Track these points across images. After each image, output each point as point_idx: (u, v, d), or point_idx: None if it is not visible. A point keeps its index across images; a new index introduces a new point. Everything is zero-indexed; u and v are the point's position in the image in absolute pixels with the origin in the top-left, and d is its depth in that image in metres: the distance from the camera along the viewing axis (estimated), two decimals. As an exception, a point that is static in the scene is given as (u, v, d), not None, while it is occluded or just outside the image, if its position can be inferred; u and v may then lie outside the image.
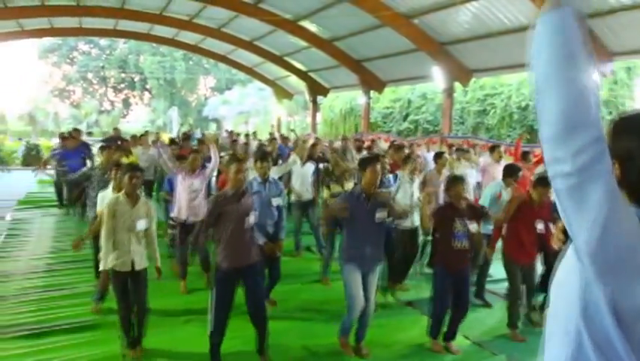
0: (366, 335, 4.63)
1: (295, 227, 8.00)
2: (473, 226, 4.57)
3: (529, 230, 5.00)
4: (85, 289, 5.99)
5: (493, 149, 8.50)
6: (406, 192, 6.21)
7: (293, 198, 8.02)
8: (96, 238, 5.23)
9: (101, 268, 4.38)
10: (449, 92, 14.15)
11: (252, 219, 4.28)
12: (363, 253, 4.36)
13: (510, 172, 5.95)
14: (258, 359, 4.40)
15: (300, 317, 5.55)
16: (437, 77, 13.80)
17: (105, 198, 5.06)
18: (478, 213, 4.79)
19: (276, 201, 5.44)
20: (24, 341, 4.81)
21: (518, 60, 11.83)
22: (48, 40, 35.48)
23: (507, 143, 13.62)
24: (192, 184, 6.23)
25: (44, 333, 4.99)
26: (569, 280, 1.09)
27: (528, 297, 5.24)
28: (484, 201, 5.94)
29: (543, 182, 4.88)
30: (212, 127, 34.88)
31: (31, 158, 21.47)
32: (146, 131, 10.83)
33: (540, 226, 4.96)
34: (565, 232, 1.60)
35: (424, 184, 6.76)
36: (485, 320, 5.51)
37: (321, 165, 9.48)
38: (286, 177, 8.13)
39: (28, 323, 5.25)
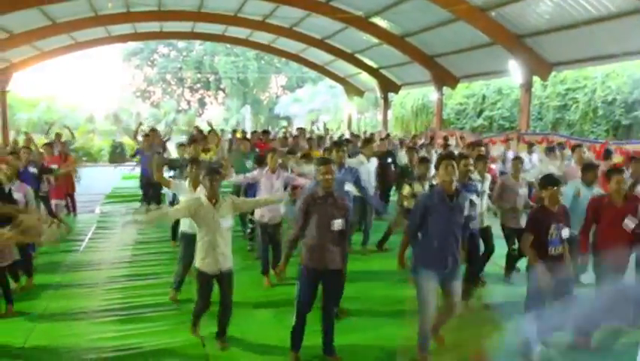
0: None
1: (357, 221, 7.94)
2: (565, 231, 4.30)
3: (616, 230, 4.65)
4: (166, 279, 6.29)
5: (574, 149, 8.00)
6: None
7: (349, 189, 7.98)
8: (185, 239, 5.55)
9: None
10: (527, 86, 13.58)
11: (338, 223, 4.20)
12: (443, 256, 4.11)
13: (585, 170, 5.83)
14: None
15: (369, 314, 5.51)
16: (514, 71, 13.29)
17: (179, 186, 5.43)
18: (569, 217, 4.49)
19: (348, 186, 5.49)
20: (112, 326, 5.16)
21: (605, 51, 11.17)
22: (131, 45, 37.56)
23: (591, 140, 12.83)
24: (273, 185, 6.28)
25: (130, 319, 5.32)
26: None
27: None
28: (564, 201, 5.59)
29: (614, 171, 4.66)
30: (283, 125, 35.45)
31: (116, 155, 22.94)
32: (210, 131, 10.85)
33: (629, 223, 4.60)
34: None
35: (500, 189, 6.44)
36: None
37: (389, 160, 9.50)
38: None
39: (115, 309, 5.63)
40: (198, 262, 4.48)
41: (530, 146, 10.66)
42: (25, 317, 5.36)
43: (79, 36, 18.14)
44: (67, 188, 10.25)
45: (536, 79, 13.82)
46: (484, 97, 21.20)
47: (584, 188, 5.74)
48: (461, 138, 11.87)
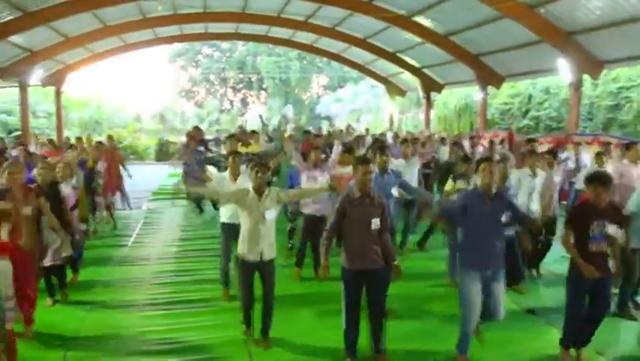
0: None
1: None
2: (612, 228, 4.11)
3: None
4: (211, 276, 6.44)
5: (629, 147, 7.48)
6: (525, 188, 5.94)
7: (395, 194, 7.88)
8: (225, 230, 5.67)
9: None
10: (576, 85, 13.13)
11: (376, 223, 4.18)
12: (484, 257, 4.09)
13: None
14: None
15: (409, 315, 5.48)
16: (563, 69, 12.87)
17: (220, 178, 5.68)
18: (620, 216, 4.32)
19: (394, 190, 5.58)
20: (157, 320, 5.33)
21: (661, 48, 10.68)
22: (177, 46, 38.50)
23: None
24: (315, 177, 6.53)
25: (175, 314, 5.48)
26: None
27: None
28: (633, 207, 5.20)
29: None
30: (325, 124, 35.52)
31: (162, 154, 23.56)
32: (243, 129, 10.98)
33: None
34: None
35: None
36: (624, 336, 5.00)
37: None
38: None
39: (162, 303, 5.80)
40: (240, 250, 4.59)
41: (577, 145, 10.33)
42: (79, 307, 5.61)
43: (128, 38, 18.80)
44: (115, 183, 10.53)
45: (586, 77, 13.33)
46: (530, 96, 20.63)
47: None
48: (503, 141, 11.46)
